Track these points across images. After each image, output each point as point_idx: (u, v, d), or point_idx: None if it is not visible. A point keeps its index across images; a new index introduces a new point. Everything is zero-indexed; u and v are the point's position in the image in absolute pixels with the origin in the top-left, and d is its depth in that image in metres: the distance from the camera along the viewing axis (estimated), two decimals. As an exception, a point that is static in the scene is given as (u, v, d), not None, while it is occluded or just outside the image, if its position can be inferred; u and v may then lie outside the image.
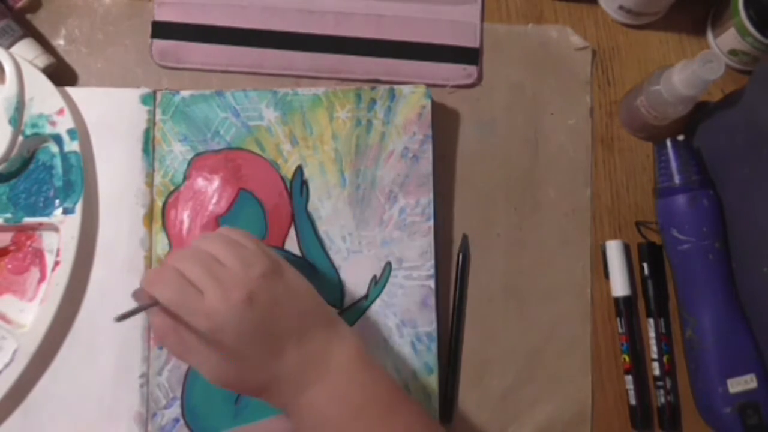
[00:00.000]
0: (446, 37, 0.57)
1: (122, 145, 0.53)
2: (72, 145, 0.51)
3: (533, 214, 0.56)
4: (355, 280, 0.52)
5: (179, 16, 0.56)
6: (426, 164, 0.53)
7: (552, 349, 0.54)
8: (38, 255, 0.52)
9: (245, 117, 0.53)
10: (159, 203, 0.52)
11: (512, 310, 0.54)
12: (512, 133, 0.57)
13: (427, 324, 0.52)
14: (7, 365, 0.48)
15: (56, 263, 0.50)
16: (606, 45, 0.59)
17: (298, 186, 0.53)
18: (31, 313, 0.50)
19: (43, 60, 0.53)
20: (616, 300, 0.55)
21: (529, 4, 0.59)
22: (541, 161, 0.56)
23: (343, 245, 0.53)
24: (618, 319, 0.54)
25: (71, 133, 0.51)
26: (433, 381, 0.51)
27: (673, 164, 0.53)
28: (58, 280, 0.49)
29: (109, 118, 0.53)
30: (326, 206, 0.53)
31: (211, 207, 0.52)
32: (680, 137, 0.53)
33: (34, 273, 0.52)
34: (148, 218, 0.52)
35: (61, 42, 0.56)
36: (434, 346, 0.52)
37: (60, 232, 0.50)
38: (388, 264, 0.52)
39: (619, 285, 0.54)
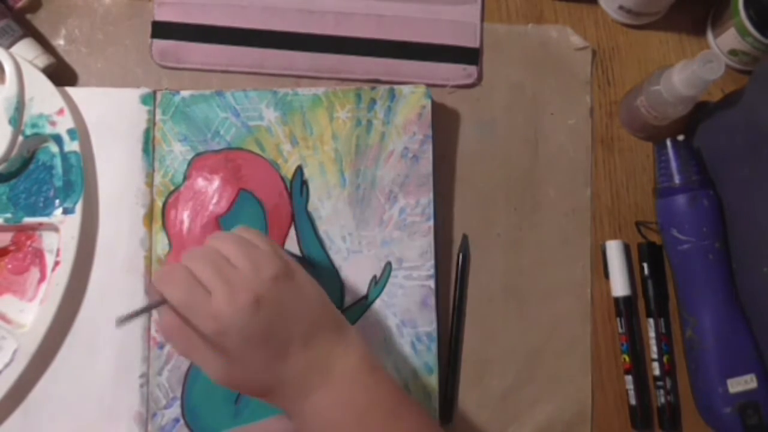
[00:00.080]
0: (446, 37, 0.57)
1: (122, 145, 0.53)
2: (72, 145, 0.51)
3: (533, 214, 0.56)
4: (355, 280, 0.52)
5: (179, 16, 0.56)
6: (426, 164, 0.53)
7: (552, 349, 0.54)
8: (38, 255, 0.52)
9: (245, 117, 0.53)
10: (159, 203, 0.52)
11: (512, 310, 0.54)
12: (512, 133, 0.57)
13: (427, 324, 0.52)
14: (7, 365, 0.48)
15: (56, 263, 0.50)
16: (606, 45, 0.59)
17: (298, 186, 0.53)
18: (31, 313, 0.50)
19: (43, 60, 0.53)
20: (616, 300, 0.55)
21: (529, 4, 0.59)
22: (541, 161, 0.56)
23: (343, 245, 0.53)
24: (618, 319, 0.54)
25: (71, 133, 0.51)
26: (433, 381, 0.51)
27: (673, 164, 0.53)
28: (58, 280, 0.49)
29: (109, 118, 0.53)
30: (326, 206, 0.53)
31: (211, 207, 0.52)
32: (680, 137, 0.53)
33: (34, 273, 0.52)
34: (148, 218, 0.52)
35: (61, 42, 0.56)
36: (434, 346, 0.52)
37: (60, 232, 0.50)
38: (388, 264, 0.52)
39: (619, 285, 0.54)
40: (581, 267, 0.55)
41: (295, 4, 0.57)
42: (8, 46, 0.52)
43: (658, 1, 0.56)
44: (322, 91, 0.54)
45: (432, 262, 0.52)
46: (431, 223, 0.53)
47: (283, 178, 0.53)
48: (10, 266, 0.52)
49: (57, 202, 0.51)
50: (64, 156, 0.51)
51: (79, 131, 0.52)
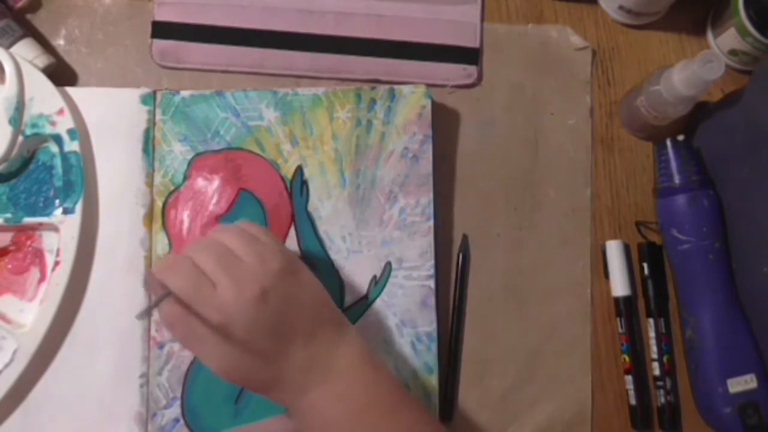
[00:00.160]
0: (446, 37, 0.57)
1: (122, 145, 0.53)
2: (72, 145, 0.51)
3: (533, 214, 0.56)
4: (355, 280, 0.52)
5: (179, 16, 0.56)
6: (426, 164, 0.53)
7: (552, 349, 0.54)
8: (38, 255, 0.52)
9: (245, 117, 0.53)
10: (159, 203, 0.52)
11: (512, 310, 0.54)
12: (512, 133, 0.57)
13: (427, 324, 0.52)
14: (7, 365, 0.48)
15: (56, 263, 0.50)
16: (606, 45, 0.59)
17: (298, 186, 0.53)
18: (31, 313, 0.50)
19: (43, 60, 0.53)
20: (616, 300, 0.55)
21: (529, 4, 0.59)
22: (541, 161, 0.56)
23: (343, 245, 0.53)
24: (618, 319, 0.54)
25: (71, 133, 0.51)
26: (433, 381, 0.51)
27: (673, 164, 0.53)
28: (58, 280, 0.49)
29: (109, 118, 0.53)
30: (326, 206, 0.53)
31: (211, 207, 0.52)
32: (680, 137, 0.53)
33: (34, 273, 0.52)
34: (148, 218, 0.52)
35: (61, 42, 0.56)
36: (434, 346, 0.52)
37: (60, 232, 0.50)
38: (388, 264, 0.52)
39: (619, 285, 0.54)
40: (581, 267, 0.55)
41: (295, 4, 0.57)
42: (8, 46, 0.52)
43: (658, 1, 0.56)
44: (322, 91, 0.54)
45: (432, 262, 0.52)
46: (431, 223, 0.53)
47: (283, 178, 0.53)
48: (10, 266, 0.52)
49: (57, 202, 0.51)
50: (64, 156, 0.51)
51: (79, 131, 0.52)
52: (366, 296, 0.52)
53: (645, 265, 0.55)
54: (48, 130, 0.51)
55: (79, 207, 0.51)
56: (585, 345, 0.54)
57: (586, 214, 0.56)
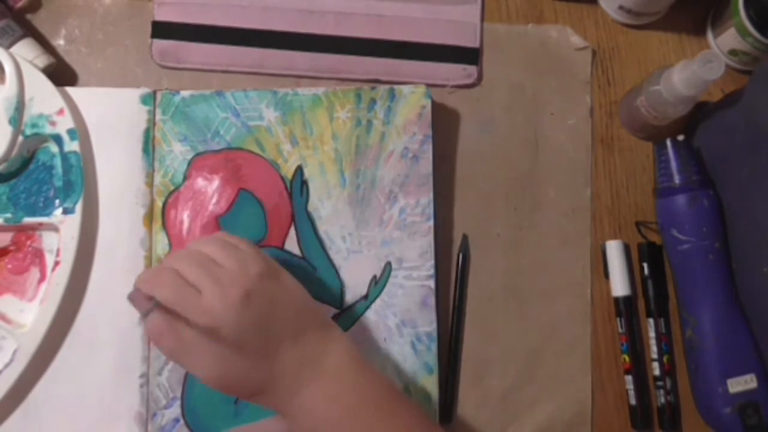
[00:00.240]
0: (446, 37, 0.57)
1: (122, 145, 0.53)
2: (72, 145, 0.51)
3: (533, 214, 0.56)
4: (355, 280, 0.52)
5: (179, 16, 0.56)
6: (426, 164, 0.53)
7: (552, 349, 0.54)
8: (38, 255, 0.52)
9: (245, 117, 0.53)
10: (159, 203, 0.52)
11: (512, 310, 0.54)
12: (512, 133, 0.57)
13: (427, 324, 0.52)
14: (7, 365, 0.48)
15: (56, 263, 0.50)
16: (606, 45, 0.59)
17: (298, 186, 0.53)
18: (31, 313, 0.50)
19: (43, 60, 0.53)
20: (616, 300, 0.55)
21: (529, 4, 0.59)
22: (541, 161, 0.56)
23: (343, 245, 0.53)
24: (618, 319, 0.54)
25: (71, 133, 0.51)
26: (433, 381, 0.51)
27: (673, 164, 0.53)
28: (58, 280, 0.49)
29: (109, 118, 0.53)
30: (326, 206, 0.53)
31: (211, 207, 0.52)
32: (680, 137, 0.53)
33: (34, 273, 0.52)
34: (148, 218, 0.52)
35: (61, 42, 0.56)
36: (434, 346, 0.52)
37: (60, 232, 0.50)
38: (388, 264, 0.52)
39: (619, 285, 0.54)
40: (581, 267, 0.55)
41: (295, 4, 0.57)
42: (8, 46, 0.52)
43: (658, 1, 0.56)
44: (322, 91, 0.54)
45: (432, 262, 0.52)
46: (431, 223, 0.53)
47: (283, 178, 0.53)
48: (10, 266, 0.52)
49: (57, 202, 0.51)
50: (64, 156, 0.51)
51: (79, 131, 0.52)
52: (366, 296, 0.52)
53: (645, 265, 0.55)
54: (48, 130, 0.51)
55: (79, 207, 0.51)
56: (585, 345, 0.54)
57: (586, 214, 0.56)
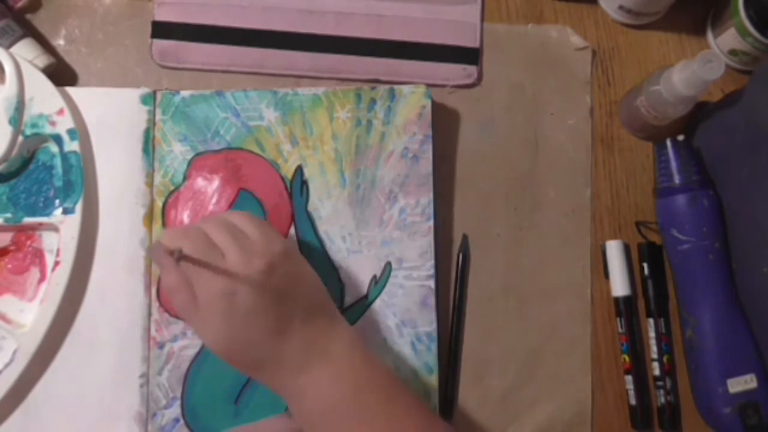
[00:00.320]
0: (446, 37, 0.57)
1: (122, 145, 0.53)
2: (72, 145, 0.51)
3: (533, 214, 0.56)
4: (355, 280, 0.52)
5: (179, 16, 0.56)
6: (426, 164, 0.53)
7: (552, 349, 0.54)
8: (38, 255, 0.52)
9: (245, 117, 0.53)
10: (159, 203, 0.52)
11: (512, 310, 0.54)
12: (512, 133, 0.57)
13: (427, 324, 0.52)
14: (7, 365, 0.48)
15: (56, 263, 0.50)
16: (606, 45, 0.59)
17: (298, 186, 0.53)
18: (31, 313, 0.50)
19: (43, 60, 0.53)
20: (616, 300, 0.55)
21: (529, 4, 0.59)
22: (541, 161, 0.56)
23: (343, 245, 0.53)
24: (618, 319, 0.54)
25: (71, 133, 0.51)
26: (433, 381, 0.51)
27: (673, 164, 0.53)
28: (58, 280, 0.49)
29: (109, 118, 0.53)
30: (326, 206, 0.53)
31: (211, 207, 0.52)
32: (680, 137, 0.53)
33: (34, 273, 0.52)
34: (148, 218, 0.52)
35: (61, 42, 0.56)
36: (434, 346, 0.52)
37: (60, 232, 0.50)
38: (388, 264, 0.52)
39: (619, 285, 0.54)
40: (581, 267, 0.55)
41: (295, 4, 0.57)
42: (8, 46, 0.52)
43: (658, 1, 0.56)
44: (322, 91, 0.54)
45: (432, 262, 0.52)
46: (431, 223, 0.53)
47: (283, 178, 0.53)
48: (10, 266, 0.52)
49: (57, 202, 0.51)
50: (64, 156, 0.51)
51: (79, 131, 0.52)
52: (366, 296, 0.52)
53: (645, 265, 0.55)
54: (48, 130, 0.51)
55: (79, 207, 0.51)
56: (585, 345, 0.54)
57: (586, 214, 0.56)
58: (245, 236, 0.43)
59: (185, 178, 0.53)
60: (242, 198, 0.52)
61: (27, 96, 0.51)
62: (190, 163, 0.53)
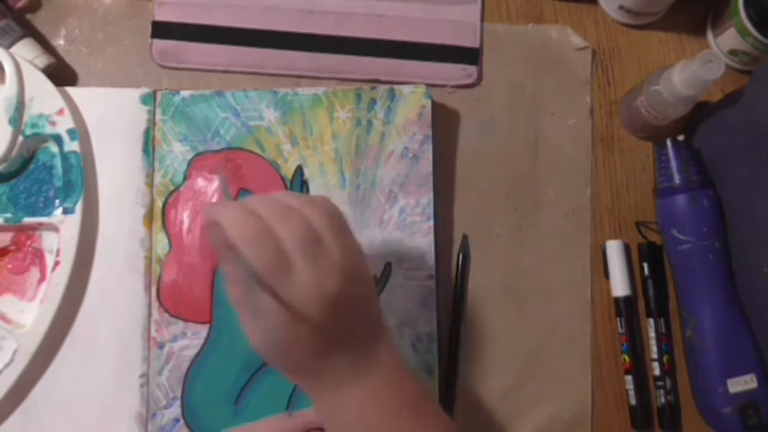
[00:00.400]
0: (446, 37, 0.57)
1: (122, 145, 0.53)
2: (72, 145, 0.51)
3: (533, 214, 0.56)
4: (355, 280, 0.52)
5: (179, 16, 0.56)
6: (426, 164, 0.53)
7: (552, 349, 0.54)
8: (38, 255, 0.52)
9: (245, 117, 0.53)
10: (159, 203, 0.52)
11: (512, 310, 0.54)
12: (512, 133, 0.57)
13: (428, 324, 0.52)
14: (7, 365, 0.48)
15: (56, 263, 0.50)
16: (606, 45, 0.59)
17: (298, 186, 0.53)
18: (31, 313, 0.50)
19: (43, 60, 0.53)
20: (616, 300, 0.55)
21: (529, 4, 0.59)
22: (541, 161, 0.56)
23: (343, 245, 0.52)
24: (618, 319, 0.54)
25: (71, 133, 0.51)
26: (433, 381, 0.51)
27: (673, 164, 0.53)
28: (58, 280, 0.49)
29: (109, 118, 0.53)
30: (326, 206, 0.53)
31: (211, 207, 0.52)
32: (680, 137, 0.53)
33: (34, 273, 0.52)
34: (148, 218, 0.52)
35: (61, 42, 0.56)
36: (434, 346, 0.52)
37: (60, 232, 0.50)
38: (388, 264, 0.52)
39: (619, 285, 0.54)
40: (581, 267, 0.55)
41: (295, 4, 0.57)
42: (8, 46, 0.52)
43: (658, 1, 0.56)
44: (322, 91, 0.54)
45: (432, 262, 0.52)
46: (431, 223, 0.53)
47: (283, 178, 0.53)
48: (10, 266, 0.52)
49: (57, 202, 0.51)
50: (64, 156, 0.51)
51: (79, 131, 0.52)
52: (366, 296, 0.52)
53: (645, 265, 0.55)
54: (48, 130, 0.51)
55: (79, 207, 0.51)
56: (585, 345, 0.54)
57: (586, 214, 0.56)
58: (321, 249, 0.38)
59: (185, 178, 0.53)
60: (242, 198, 0.52)
61: (27, 96, 0.51)
62: (190, 163, 0.53)
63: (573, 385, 0.54)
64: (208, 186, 0.53)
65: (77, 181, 0.51)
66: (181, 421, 0.50)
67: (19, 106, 0.51)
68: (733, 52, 0.56)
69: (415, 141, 0.53)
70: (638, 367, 0.54)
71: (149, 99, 0.53)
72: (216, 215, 0.38)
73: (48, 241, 0.52)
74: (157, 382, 0.50)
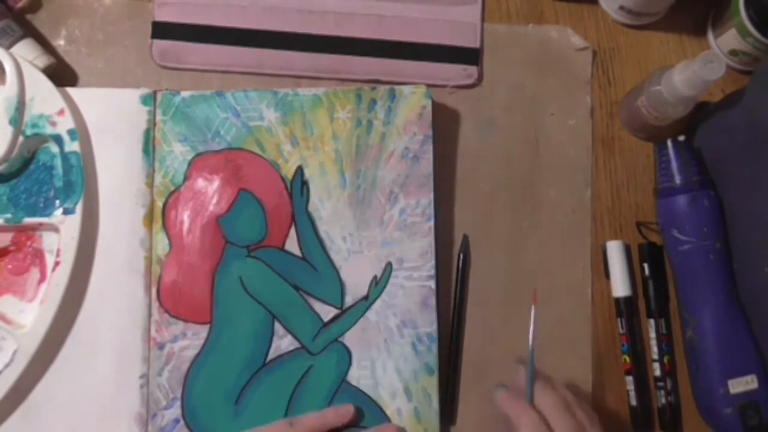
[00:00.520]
0: (446, 38, 0.57)
1: (122, 146, 0.53)
2: (72, 146, 0.51)
3: (534, 215, 0.56)
4: (356, 280, 0.52)
5: (179, 17, 0.56)
6: (426, 164, 0.53)
7: (552, 349, 0.54)
8: (38, 255, 0.52)
9: (245, 117, 0.53)
10: (159, 203, 0.52)
11: (512, 310, 0.54)
12: (512, 134, 0.57)
13: (428, 324, 0.52)
14: (7, 366, 0.48)
15: (56, 264, 0.50)
16: (606, 45, 0.59)
17: (298, 186, 0.53)
18: (31, 313, 0.50)
19: (44, 60, 0.53)
20: (617, 300, 0.55)
21: (529, 5, 0.59)
22: (542, 161, 0.56)
23: (343, 246, 0.52)
24: (618, 319, 0.54)
25: (71, 133, 0.51)
26: (433, 381, 0.51)
27: (674, 164, 0.53)
28: (58, 281, 0.49)
29: (109, 118, 0.53)
30: (327, 207, 0.53)
31: (211, 207, 0.52)
32: (681, 137, 0.53)
33: (34, 273, 0.52)
34: (149, 219, 0.52)
35: (62, 42, 0.56)
36: (435, 347, 0.52)
37: (60, 233, 0.50)
38: (389, 264, 0.52)
39: (619, 285, 0.54)
40: (582, 267, 0.55)
41: (295, 4, 0.57)
42: (8, 47, 0.52)
43: (659, 1, 0.56)
44: (323, 91, 0.54)
45: (432, 262, 0.52)
46: (432, 223, 0.53)
47: (283, 179, 0.53)
48: (10, 267, 0.52)
49: (57, 202, 0.51)
50: (65, 156, 0.51)
51: (80, 132, 0.52)
52: (366, 297, 0.52)
53: (645, 265, 0.55)
54: (48, 130, 0.51)
55: (79, 207, 0.50)
56: (585, 345, 0.54)
57: (587, 214, 0.56)
58: None
59: (185, 178, 0.53)
60: (242, 198, 0.52)
61: (27, 96, 0.51)
62: (190, 163, 0.53)
63: (573, 385, 0.54)
64: (209, 186, 0.53)
65: (77, 181, 0.51)
66: (181, 422, 0.50)
67: (20, 106, 0.51)
68: (733, 53, 0.56)
69: (415, 141, 0.53)
70: (639, 368, 0.54)
71: (149, 99, 0.53)
72: (513, 416, 0.47)
73: (48, 241, 0.52)
74: (158, 383, 0.50)
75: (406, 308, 0.52)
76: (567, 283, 0.55)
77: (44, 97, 0.51)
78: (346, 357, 0.51)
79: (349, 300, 0.52)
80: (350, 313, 0.52)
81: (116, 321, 0.50)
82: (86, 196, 0.51)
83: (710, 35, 0.58)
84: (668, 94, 0.50)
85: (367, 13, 0.57)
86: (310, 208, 0.53)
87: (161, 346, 0.51)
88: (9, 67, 0.51)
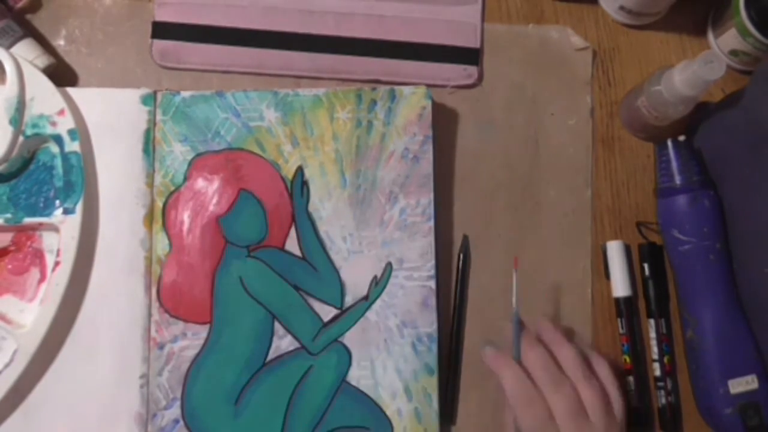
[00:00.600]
0: (446, 38, 0.57)
1: (123, 146, 0.53)
2: (72, 146, 0.51)
3: (533, 215, 0.56)
4: (356, 280, 0.52)
5: (179, 17, 0.56)
6: (426, 165, 0.53)
7: (552, 349, 0.54)
8: (38, 255, 0.52)
9: (246, 117, 0.53)
10: (159, 204, 0.52)
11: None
12: (512, 134, 0.57)
13: (428, 325, 0.52)
14: (7, 366, 0.48)
15: (56, 263, 0.50)
16: (606, 45, 0.59)
17: (298, 186, 0.53)
18: (31, 313, 0.50)
19: (44, 60, 0.53)
20: (617, 300, 0.55)
21: (529, 5, 0.59)
22: (542, 161, 0.56)
23: (343, 246, 0.52)
24: (618, 319, 0.54)
25: (72, 133, 0.51)
26: (433, 382, 0.51)
27: (674, 164, 0.53)
28: (58, 281, 0.49)
29: (109, 118, 0.53)
30: (327, 207, 0.53)
31: (211, 207, 0.52)
32: (681, 137, 0.53)
33: (34, 273, 0.52)
34: (149, 219, 0.52)
35: (62, 42, 0.56)
36: (435, 347, 0.52)
37: (60, 233, 0.50)
38: (389, 264, 0.52)
39: (619, 285, 0.54)
40: (582, 267, 0.55)
41: (295, 5, 0.57)
42: (8, 47, 0.52)
43: (659, 1, 0.56)
44: (323, 91, 0.54)
45: (432, 262, 0.52)
46: (432, 223, 0.53)
47: (283, 179, 0.53)
48: (10, 266, 0.52)
49: (57, 202, 0.51)
50: (65, 156, 0.51)
51: (80, 131, 0.52)
52: (366, 297, 0.52)
53: (646, 265, 0.55)
54: (48, 130, 0.51)
55: (79, 207, 0.50)
56: (585, 345, 0.54)
57: (587, 214, 0.56)
58: (587, 423, 0.45)
59: (186, 178, 0.53)
60: (243, 198, 0.52)
61: (28, 96, 0.51)
62: (190, 163, 0.53)
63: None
64: (209, 186, 0.53)
65: (78, 181, 0.51)
66: (181, 422, 0.50)
67: (20, 106, 0.51)
68: (733, 53, 0.56)
69: (415, 141, 0.53)
70: (639, 368, 0.54)
71: (149, 99, 0.53)
72: (497, 371, 0.48)
73: (48, 241, 0.52)
74: (157, 383, 0.50)
75: (406, 308, 0.52)
76: (567, 283, 0.55)
77: (44, 97, 0.51)
78: (346, 357, 0.51)
79: (349, 300, 0.52)
80: (350, 313, 0.52)
81: (116, 321, 0.50)
82: (86, 196, 0.51)
83: (710, 35, 0.58)
84: (668, 94, 0.50)
85: (368, 13, 0.57)
86: (311, 208, 0.53)
87: (161, 346, 0.51)
88: (9, 67, 0.51)
